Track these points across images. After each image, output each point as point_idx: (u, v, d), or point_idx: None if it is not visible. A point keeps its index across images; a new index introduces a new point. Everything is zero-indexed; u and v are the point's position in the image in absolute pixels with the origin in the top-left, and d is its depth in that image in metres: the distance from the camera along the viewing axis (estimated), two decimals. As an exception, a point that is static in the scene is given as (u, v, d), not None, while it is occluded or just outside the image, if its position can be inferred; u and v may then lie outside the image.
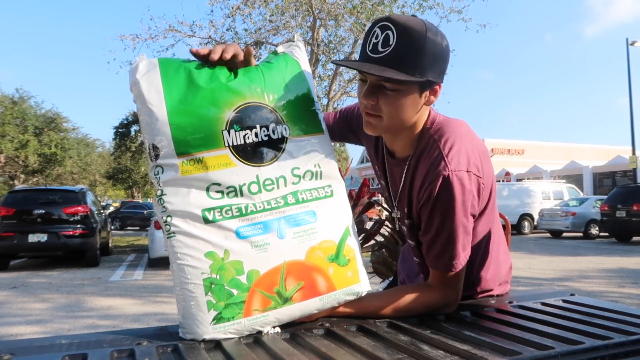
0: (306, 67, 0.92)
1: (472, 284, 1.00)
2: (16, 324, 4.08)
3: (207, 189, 0.77)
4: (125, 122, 21.90)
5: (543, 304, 0.97)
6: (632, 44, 16.68)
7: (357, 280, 0.86)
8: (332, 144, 0.97)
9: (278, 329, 0.79)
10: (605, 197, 12.82)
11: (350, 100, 11.74)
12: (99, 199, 9.66)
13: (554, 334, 0.74)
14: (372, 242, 3.08)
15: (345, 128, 1.12)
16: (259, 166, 0.80)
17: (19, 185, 19.25)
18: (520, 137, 38.96)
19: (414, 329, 0.79)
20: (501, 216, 4.25)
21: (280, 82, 0.85)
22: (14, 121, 19.56)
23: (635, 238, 11.76)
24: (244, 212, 0.78)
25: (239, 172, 0.78)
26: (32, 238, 7.32)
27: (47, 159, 20.65)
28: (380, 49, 0.80)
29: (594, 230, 12.93)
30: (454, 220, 0.84)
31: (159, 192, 0.78)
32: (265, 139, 0.81)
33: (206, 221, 0.76)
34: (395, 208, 0.99)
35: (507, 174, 23.77)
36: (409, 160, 0.92)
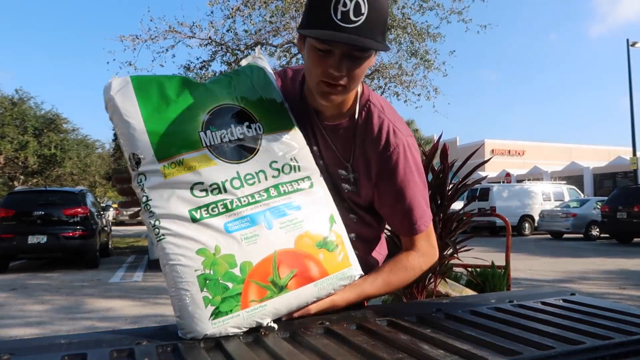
0: (271, 73, 0.97)
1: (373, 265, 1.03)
2: (15, 326, 4.08)
3: (192, 189, 0.79)
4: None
5: (543, 303, 0.96)
6: (633, 44, 16.71)
7: (348, 264, 0.88)
8: None
9: (276, 325, 0.79)
10: (605, 198, 12.83)
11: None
12: (98, 200, 9.65)
13: (555, 334, 0.74)
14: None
15: None
16: (238, 163, 0.83)
17: (18, 187, 19.26)
18: (520, 138, 39.06)
19: (414, 328, 0.79)
20: (500, 217, 4.23)
21: (249, 86, 0.90)
22: (14, 122, 19.58)
23: (636, 239, 11.76)
24: (229, 207, 0.80)
25: (220, 170, 0.81)
26: (32, 239, 7.32)
27: (47, 160, 20.65)
28: (352, 17, 0.79)
29: (595, 232, 12.93)
30: (418, 182, 0.92)
31: (144, 199, 0.79)
32: (241, 137, 0.84)
33: (194, 220, 0.78)
34: (334, 172, 0.98)
35: (508, 175, 23.78)
36: (353, 126, 0.94)
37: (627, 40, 16.64)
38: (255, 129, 0.86)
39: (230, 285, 0.76)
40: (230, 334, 0.76)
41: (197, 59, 10.98)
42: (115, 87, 0.82)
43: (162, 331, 0.79)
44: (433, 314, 0.88)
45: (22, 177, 21.53)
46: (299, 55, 10.82)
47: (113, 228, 11.07)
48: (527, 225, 14.86)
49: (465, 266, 3.40)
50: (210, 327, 0.75)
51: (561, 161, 27.84)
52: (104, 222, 9.42)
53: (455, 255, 2.62)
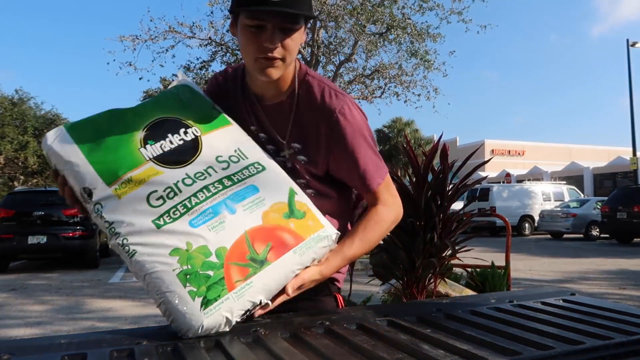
0: (196, 87, 1.03)
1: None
2: (15, 326, 4.08)
3: (148, 200, 0.81)
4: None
5: (543, 303, 0.96)
6: (633, 45, 16.71)
7: (321, 226, 0.90)
8: None
9: (270, 302, 0.81)
10: (605, 198, 12.82)
11: (350, 101, 11.67)
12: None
13: (555, 334, 0.74)
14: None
15: None
16: (184, 165, 0.86)
17: (18, 187, 19.25)
18: (520, 138, 39.04)
19: (414, 328, 0.79)
20: (500, 217, 4.21)
21: (177, 100, 0.96)
22: (14, 122, 19.57)
23: (636, 239, 11.76)
24: (189, 206, 0.82)
25: (169, 175, 0.84)
26: (32, 240, 7.32)
27: (47, 160, 20.63)
28: None
29: (595, 232, 12.93)
30: (367, 136, 0.98)
31: (107, 225, 0.81)
32: (181, 142, 0.88)
33: (159, 227, 0.80)
34: (284, 149, 1.00)
35: (508, 175, 23.78)
36: (297, 100, 0.97)
37: (627, 40, 16.65)
38: (193, 132, 0.90)
39: (211, 273, 0.77)
40: (228, 322, 0.77)
41: (197, 59, 11.00)
42: (50, 138, 0.88)
43: (162, 331, 0.79)
44: (433, 314, 0.88)
45: (22, 177, 21.53)
46: (299, 56, 10.81)
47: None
48: (527, 225, 14.86)
49: (465, 266, 3.40)
50: (204, 317, 0.75)
51: (561, 161, 27.85)
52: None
53: (455, 255, 2.62)
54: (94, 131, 0.87)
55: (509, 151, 31.36)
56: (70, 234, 7.52)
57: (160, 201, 0.81)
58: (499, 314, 0.87)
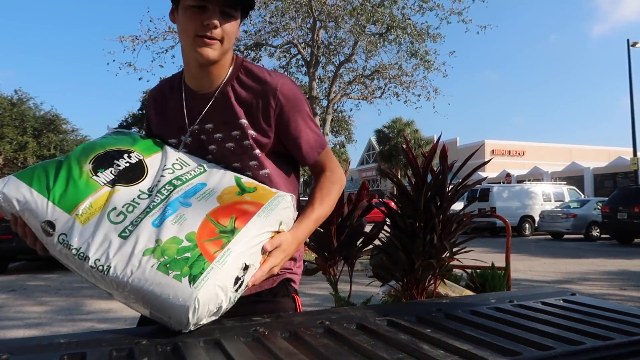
0: (124, 130, 1.10)
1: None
2: (14, 328, 4.07)
3: (109, 219, 0.84)
4: (125, 123, 21.98)
5: (544, 303, 0.96)
6: (633, 45, 16.72)
7: (274, 193, 0.96)
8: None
9: (256, 264, 0.84)
10: (606, 198, 12.82)
11: (350, 102, 11.73)
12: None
13: (555, 334, 0.74)
14: (371, 246, 3.07)
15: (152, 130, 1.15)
16: (137, 183, 0.91)
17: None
18: (520, 139, 39.06)
19: (414, 328, 0.79)
20: (500, 218, 4.19)
21: (111, 139, 1.02)
22: (13, 123, 19.58)
23: (636, 240, 11.75)
24: (149, 211, 0.86)
25: (125, 192, 0.89)
26: (32, 240, 7.31)
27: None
28: None
29: (595, 232, 12.93)
30: (308, 111, 1.05)
31: (74, 252, 0.82)
32: (128, 165, 0.94)
33: (126, 238, 0.82)
34: (235, 129, 1.03)
35: (508, 175, 23.77)
36: (237, 84, 1.02)
37: (628, 40, 16.65)
38: (136, 156, 0.96)
39: (188, 254, 0.79)
40: (224, 293, 0.78)
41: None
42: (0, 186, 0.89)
43: (161, 331, 0.79)
44: (433, 314, 0.88)
45: (22, 178, 21.46)
46: (299, 56, 10.83)
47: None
48: (527, 225, 14.85)
49: (465, 267, 3.40)
50: (195, 290, 0.75)
51: (561, 161, 27.86)
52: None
53: (454, 256, 2.62)
54: (42, 174, 0.91)
55: (509, 151, 31.37)
56: (70, 235, 7.51)
57: (122, 216, 0.85)
58: (499, 314, 0.87)
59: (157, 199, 0.88)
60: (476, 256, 3.18)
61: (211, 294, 0.77)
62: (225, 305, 0.80)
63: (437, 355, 0.66)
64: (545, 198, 15.27)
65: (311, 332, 0.78)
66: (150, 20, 13.97)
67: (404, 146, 2.73)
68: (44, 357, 0.66)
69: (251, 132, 1.01)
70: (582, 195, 16.87)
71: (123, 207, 0.86)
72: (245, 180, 0.98)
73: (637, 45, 16.77)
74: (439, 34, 10.22)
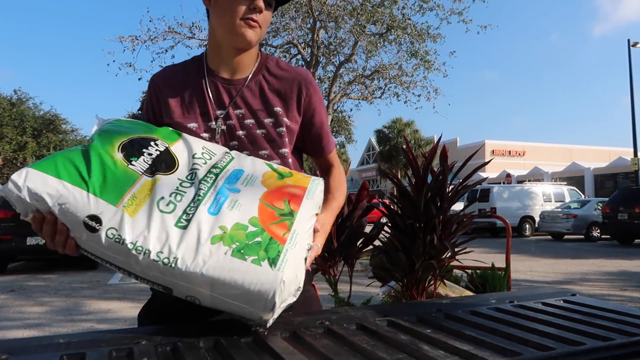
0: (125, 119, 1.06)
1: None
2: (14, 328, 4.07)
3: (159, 209, 0.79)
4: (126, 124, 21.95)
5: (544, 304, 0.96)
6: (634, 45, 16.72)
7: (309, 177, 0.99)
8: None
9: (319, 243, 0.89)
10: (606, 199, 12.82)
11: (350, 102, 11.73)
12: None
13: (555, 334, 0.73)
14: (371, 246, 3.07)
15: (157, 119, 1.09)
16: (173, 171, 0.88)
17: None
18: (520, 139, 39.07)
19: (414, 328, 0.79)
20: (500, 219, 4.19)
21: (127, 126, 0.96)
22: (12, 123, 19.58)
23: (637, 240, 11.75)
24: (200, 199, 0.83)
25: (166, 180, 0.85)
26: (31, 241, 7.31)
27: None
28: None
29: (596, 233, 12.93)
30: (324, 108, 1.11)
31: (130, 246, 0.75)
32: (158, 153, 0.90)
33: (186, 227, 0.78)
34: (267, 117, 1.05)
35: (508, 175, 23.78)
36: (266, 71, 1.05)
37: (628, 40, 16.66)
38: (161, 144, 0.92)
39: (259, 239, 0.78)
40: (300, 271, 0.78)
41: (197, 60, 10.97)
42: (19, 180, 0.77)
43: (161, 331, 0.79)
44: (433, 314, 0.88)
45: (22, 178, 21.46)
46: (299, 56, 10.83)
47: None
48: (527, 226, 14.85)
49: (465, 268, 3.40)
50: (279, 273, 0.74)
51: (562, 162, 27.87)
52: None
53: (454, 257, 2.61)
54: (69, 164, 0.81)
55: (510, 152, 31.39)
56: (70, 235, 7.50)
57: (172, 206, 0.80)
58: (499, 315, 0.87)
59: (204, 187, 0.85)
60: (476, 257, 3.18)
61: (292, 275, 0.76)
62: (301, 287, 0.79)
63: (437, 355, 0.66)
64: (545, 198, 15.27)
65: (311, 332, 0.78)
66: (150, 21, 13.97)
67: (404, 146, 2.73)
68: (44, 357, 0.66)
69: (285, 119, 1.03)
70: (583, 196, 16.87)
71: (170, 195, 0.82)
72: (277, 165, 0.98)
73: (637, 46, 16.77)
74: (439, 34, 10.22)
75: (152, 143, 0.91)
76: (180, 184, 0.85)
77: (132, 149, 0.88)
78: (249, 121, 1.03)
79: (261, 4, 0.96)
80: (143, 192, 0.81)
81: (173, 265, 0.74)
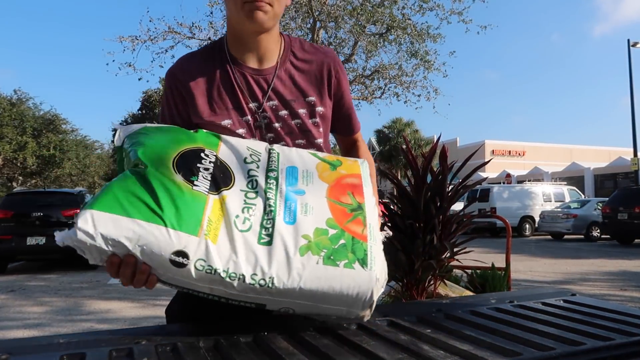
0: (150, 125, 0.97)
1: None
2: (14, 328, 4.07)
3: (238, 229, 0.76)
4: (125, 123, 22.00)
5: (544, 304, 0.96)
6: (634, 45, 16.72)
7: (356, 160, 0.97)
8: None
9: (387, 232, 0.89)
10: (606, 199, 12.82)
11: (350, 102, 11.71)
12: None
13: (555, 334, 0.73)
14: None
15: (183, 116, 1.02)
16: (233, 184, 0.83)
17: (17, 188, 19.26)
18: (520, 139, 39.08)
19: (414, 328, 0.79)
20: (500, 218, 4.19)
21: (166, 138, 0.87)
22: (12, 123, 19.57)
23: (637, 240, 11.75)
24: (271, 209, 0.80)
25: (233, 197, 0.80)
26: (31, 241, 7.31)
27: (46, 161, 20.65)
28: None
29: (596, 233, 12.93)
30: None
31: (223, 274, 0.72)
32: (212, 166, 0.84)
33: (270, 244, 0.76)
34: (301, 107, 1.01)
35: (508, 175, 23.79)
36: (292, 61, 1.00)
37: (628, 40, 16.66)
38: (210, 153, 0.85)
39: (342, 241, 0.78)
40: (385, 264, 0.81)
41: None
42: (88, 228, 0.70)
43: (161, 331, 0.79)
44: (433, 314, 0.88)
45: (20, 178, 21.55)
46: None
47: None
48: (527, 226, 14.85)
49: (465, 268, 3.40)
50: (372, 272, 0.76)
51: (562, 162, 27.87)
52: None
53: (454, 257, 2.62)
54: (132, 198, 0.74)
55: (510, 152, 31.39)
56: (70, 235, 7.50)
57: (248, 223, 0.77)
58: (499, 315, 0.87)
59: (271, 195, 0.82)
60: (476, 257, 3.18)
61: (381, 270, 0.78)
62: (386, 277, 0.82)
63: (437, 355, 0.66)
64: (545, 198, 15.27)
65: (311, 332, 0.78)
66: (150, 20, 13.97)
67: (404, 146, 2.73)
68: (44, 357, 0.66)
69: (319, 108, 1.01)
70: (583, 196, 16.88)
71: (242, 212, 0.78)
72: (321, 154, 0.95)
73: (637, 46, 16.77)
74: (439, 34, 10.23)
75: (202, 155, 0.84)
76: (246, 196, 0.81)
77: (187, 167, 0.81)
78: (283, 112, 0.99)
79: None
80: (215, 213, 0.77)
81: (270, 285, 0.73)
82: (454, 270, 3.32)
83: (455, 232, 2.68)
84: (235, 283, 0.72)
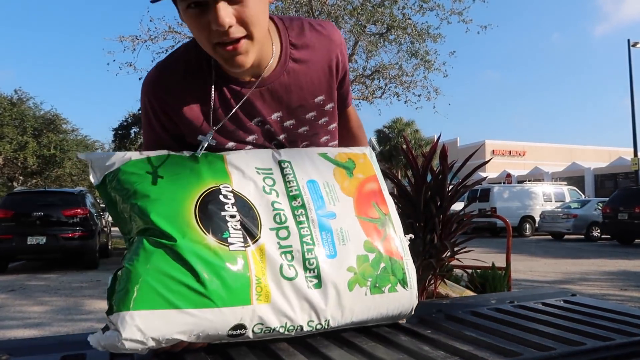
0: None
1: None
2: (14, 328, 4.07)
3: (286, 277, 0.72)
4: (125, 123, 21.98)
5: (544, 304, 0.96)
6: (634, 45, 16.71)
7: (363, 152, 0.96)
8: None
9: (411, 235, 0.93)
10: (607, 199, 12.81)
11: (351, 102, 11.70)
12: (98, 201, 9.67)
13: (555, 335, 0.73)
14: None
15: (171, 132, 0.87)
16: (261, 225, 0.75)
17: (17, 187, 19.26)
18: (521, 139, 39.07)
19: (414, 329, 0.79)
20: (501, 218, 4.19)
21: (173, 184, 0.75)
22: (13, 122, 19.57)
23: (637, 240, 11.74)
24: (310, 246, 0.76)
25: (267, 242, 0.74)
26: (31, 240, 7.32)
27: (46, 161, 20.64)
28: None
29: (596, 233, 12.92)
30: None
31: (282, 330, 0.71)
32: (235, 209, 0.74)
33: (319, 286, 0.74)
34: (313, 108, 0.90)
35: (508, 175, 23.79)
36: (294, 58, 0.85)
37: (628, 40, 16.65)
38: (224, 190, 0.75)
39: (383, 264, 0.81)
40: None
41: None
42: (133, 334, 0.63)
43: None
44: (433, 315, 0.88)
45: (21, 177, 21.55)
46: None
47: (112, 229, 11.05)
48: (527, 226, 14.85)
49: (465, 267, 3.40)
50: (412, 290, 0.83)
51: (562, 162, 27.86)
52: (104, 223, 9.42)
53: (454, 256, 2.62)
54: (171, 284, 0.66)
55: (510, 152, 31.38)
56: (70, 235, 7.51)
57: (292, 269, 0.73)
58: (499, 315, 0.87)
59: (304, 230, 0.76)
60: (476, 256, 3.18)
61: (416, 285, 0.84)
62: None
63: (437, 356, 0.66)
64: (545, 198, 15.27)
65: (311, 333, 0.78)
66: (150, 20, 13.99)
67: (404, 146, 2.73)
68: (44, 357, 0.66)
69: (329, 105, 0.93)
70: (583, 196, 16.87)
71: (282, 257, 0.73)
72: (331, 154, 0.89)
73: (637, 46, 16.76)
74: (439, 34, 10.21)
75: (220, 198, 0.74)
76: (277, 235, 0.75)
77: (214, 222, 0.71)
78: (289, 122, 0.89)
79: (223, 18, 0.68)
80: (259, 268, 0.71)
81: (326, 326, 0.76)
82: (455, 269, 3.32)
83: (456, 232, 2.68)
84: (294, 333, 0.74)
